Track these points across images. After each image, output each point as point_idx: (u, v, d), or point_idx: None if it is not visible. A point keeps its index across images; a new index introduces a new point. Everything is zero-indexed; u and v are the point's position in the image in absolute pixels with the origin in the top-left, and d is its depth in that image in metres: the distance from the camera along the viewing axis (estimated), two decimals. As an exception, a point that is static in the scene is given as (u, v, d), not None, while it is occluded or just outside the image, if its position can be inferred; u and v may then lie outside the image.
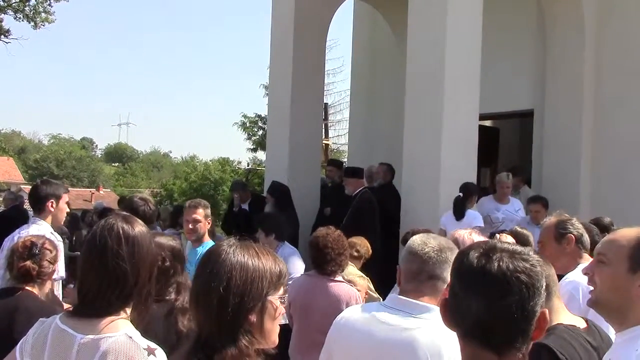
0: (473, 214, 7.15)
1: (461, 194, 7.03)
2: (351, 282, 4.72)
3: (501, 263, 1.41)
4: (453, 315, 1.48)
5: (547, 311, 1.48)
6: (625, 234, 2.04)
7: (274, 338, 1.74)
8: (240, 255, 1.70)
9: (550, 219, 3.58)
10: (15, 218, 7.12)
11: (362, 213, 7.29)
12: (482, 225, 6.85)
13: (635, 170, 8.08)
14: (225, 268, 1.66)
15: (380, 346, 2.21)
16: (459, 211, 7.00)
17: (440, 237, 2.54)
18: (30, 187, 4.72)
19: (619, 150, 8.25)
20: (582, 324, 2.41)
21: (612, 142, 8.32)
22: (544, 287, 1.47)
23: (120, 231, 1.99)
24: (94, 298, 1.93)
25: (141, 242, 2.00)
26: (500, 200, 7.57)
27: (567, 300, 2.90)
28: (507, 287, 1.39)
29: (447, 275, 2.28)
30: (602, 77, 8.47)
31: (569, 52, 8.65)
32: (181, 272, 3.11)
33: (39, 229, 4.29)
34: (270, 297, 1.70)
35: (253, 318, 1.66)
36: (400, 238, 7.32)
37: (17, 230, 4.32)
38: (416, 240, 2.43)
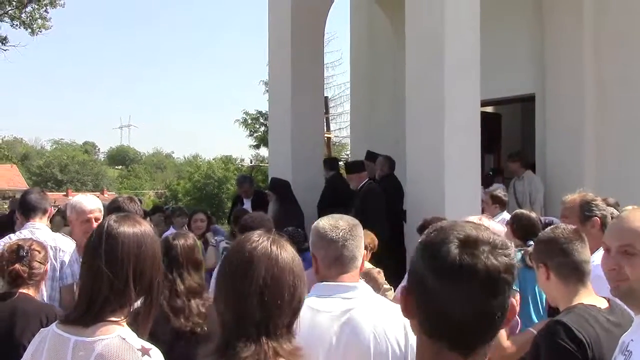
0: None
1: None
2: (368, 275, 4.70)
3: (487, 261, 1.24)
4: (420, 311, 1.30)
5: (514, 301, 1.33)
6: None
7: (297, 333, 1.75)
8: (284, 250, 1.71)
9: (573, 197, 3.51)
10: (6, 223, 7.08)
11: (367, 205, 7.27)
12: None
13: (640, 151, 8.05)
14: (283, 265, 1.67)
15: (328, 334, 2.20)
16: None
17: (344, 215, 2.50)
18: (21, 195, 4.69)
19: (623, 130, 8.21)
20: (604, 304, 2.41)
21: (615, 123, 8.28)
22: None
23: (104, 229, 1.97)
24: (82, 300, 1.93)
25: (124, 240, 1.95)
26: None
27: (594, 284, 2.88)
28: (495, 288, 1.24)
29: (362, 249, 2.38)
30: (602, 57, 8.42)
31: (568, 34, 8.61)
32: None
33: (40, 232, 4.09)
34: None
35: (287, 320, 1.68)
36: (404, 227, 7.35)
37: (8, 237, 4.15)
38: (325, 224, 2.40)
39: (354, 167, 7.84)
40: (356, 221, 2.44)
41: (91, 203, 4.13)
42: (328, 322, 2.19)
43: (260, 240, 1.71)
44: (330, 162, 9.27)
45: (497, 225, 3.60)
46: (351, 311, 2.21)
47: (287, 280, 1.67)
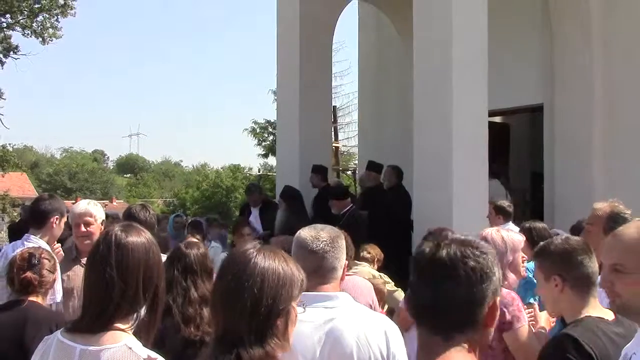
0: None
1: None
2: (375, 287, 4.71)
3: (449, 250, 1.48)
4: (409, 303, 1.56)
5: (498, 300, 1.50)
6: (631, 236, 1.97)
7: (291, 342, 1.79)
8: (270, 260, 1.75)
9: (604, 206, 3.48)
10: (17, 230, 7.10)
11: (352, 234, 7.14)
12: None
13: (649, 162, 8.00)
14: (256, 271, 1.71)
15: (311, 344, 2.21)
16: None
17: (327, 226, 2.52)
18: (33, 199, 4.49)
19: (631, 141, 8.17)
20: (610, 316, 2.41)
21: (624, 133, 8.24)
22: (495, 275, 1.49)
23: (113, 239, 1.99)
24: (92, 309, 1.94)
25: (134, 249, 1.99)
26: None
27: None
28: (454, 272, 1.45)
29: (343, 260, 2.40)
30: (611, 68, 8.39)
31: (577, 43, 8.59)
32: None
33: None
34: (294, 303, 1.76)
35: (279, 321, 1.71)
36: (413, 237, 7.34)
37: (7, 246, 4.18)
38: (307, 235, 2.42)
39: (338, 193, 7.77)
40: (338, 232, 2.47)
41: (81, 208, 4.12)
42: (311, 332, 2.20)
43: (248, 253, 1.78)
44: (323, 171, 9.14)
45: (515, 235, 3.56)
46: (333, 320, 2.22)
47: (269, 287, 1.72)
